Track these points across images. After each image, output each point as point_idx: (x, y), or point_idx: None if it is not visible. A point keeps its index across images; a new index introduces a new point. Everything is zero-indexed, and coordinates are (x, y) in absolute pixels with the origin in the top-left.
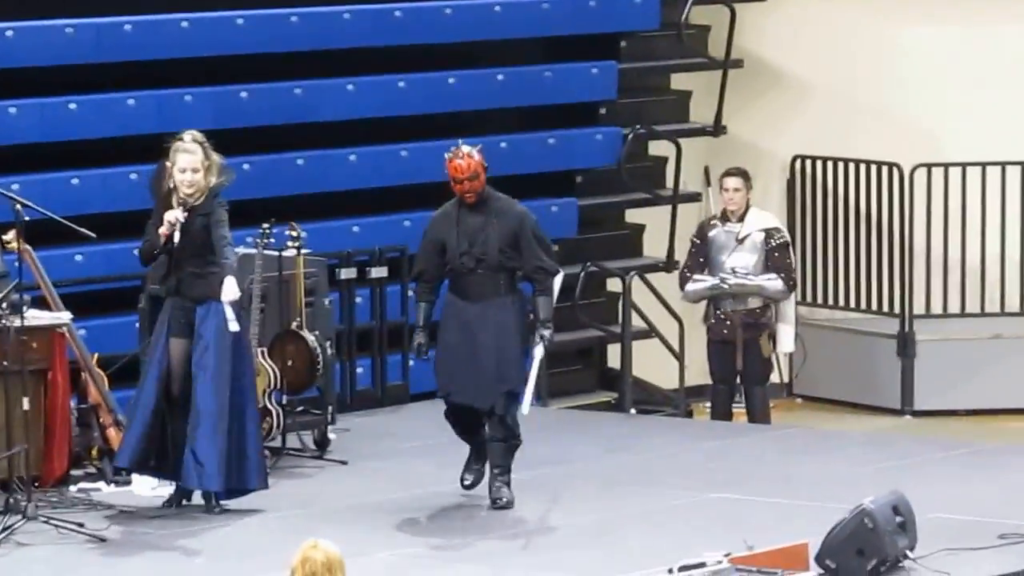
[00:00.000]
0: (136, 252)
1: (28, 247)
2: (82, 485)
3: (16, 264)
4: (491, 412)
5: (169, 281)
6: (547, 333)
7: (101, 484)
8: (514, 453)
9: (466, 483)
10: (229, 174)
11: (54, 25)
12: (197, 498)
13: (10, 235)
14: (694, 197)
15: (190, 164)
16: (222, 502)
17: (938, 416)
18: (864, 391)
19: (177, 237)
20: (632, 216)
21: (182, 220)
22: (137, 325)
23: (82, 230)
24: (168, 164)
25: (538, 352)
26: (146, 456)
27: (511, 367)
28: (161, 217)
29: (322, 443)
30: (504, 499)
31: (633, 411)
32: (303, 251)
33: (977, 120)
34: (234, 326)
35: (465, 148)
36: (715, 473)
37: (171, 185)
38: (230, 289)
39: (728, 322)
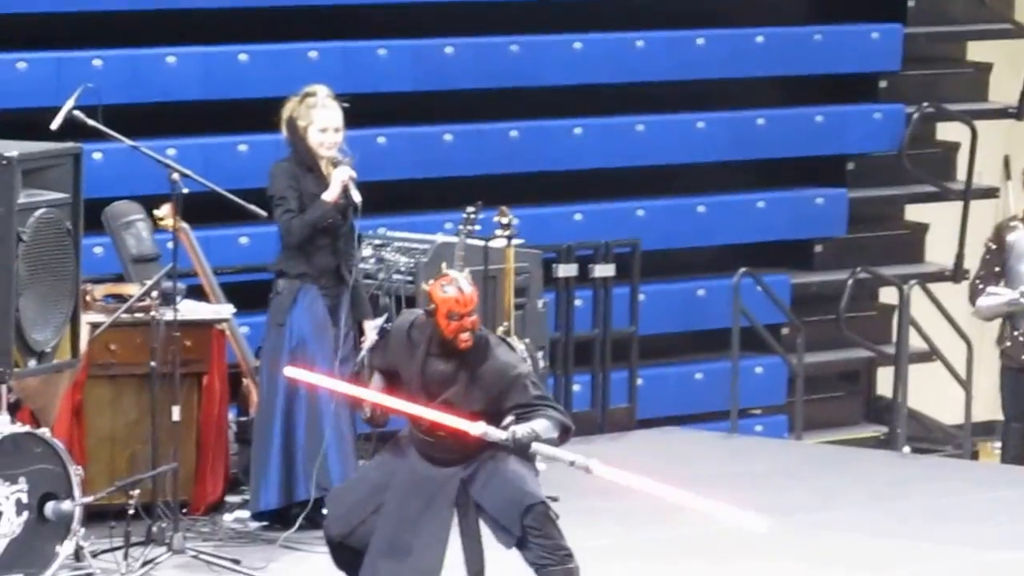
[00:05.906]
0: (288, 227)
1: (185, 225)
2: (239, 513)
3: (170, 245)
4: (523, 539)
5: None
6: (524, 431)
7: None
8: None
9: None
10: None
11: None
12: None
13: (163, 210)
14: (991, 192)
15: (333, 122)
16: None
17: None
18: None
19: (357, 197)
20: (914, 213)
21: (355, 176)
22: None
23: (250, 207)
24: (296, 121)
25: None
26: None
27: (525, 481)
28: (297, 184)
29: None
30: None
31: (907, 449)
32: (514, 241)
33: None
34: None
35: (455, 272)
36: (1006, 528)
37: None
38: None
39: None
